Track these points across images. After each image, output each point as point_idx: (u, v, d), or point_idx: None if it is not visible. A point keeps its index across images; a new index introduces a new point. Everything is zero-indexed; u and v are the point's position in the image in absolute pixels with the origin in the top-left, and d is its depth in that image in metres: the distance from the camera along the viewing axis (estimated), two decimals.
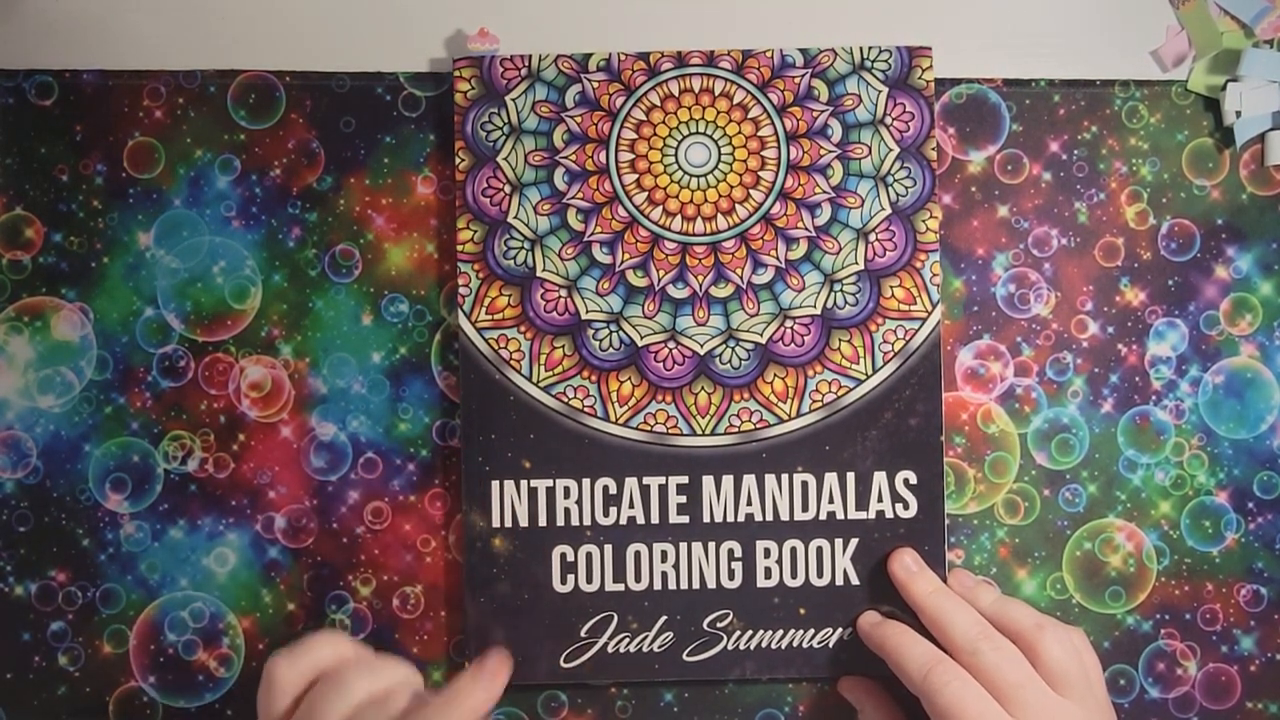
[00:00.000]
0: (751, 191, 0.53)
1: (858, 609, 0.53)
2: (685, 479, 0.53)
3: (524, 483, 0.53)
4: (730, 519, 0.53)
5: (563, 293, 0.53)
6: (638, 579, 0.53)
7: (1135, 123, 0.55)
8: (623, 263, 0.53)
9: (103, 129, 0.55)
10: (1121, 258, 0.55)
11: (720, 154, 0.53)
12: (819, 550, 0.53)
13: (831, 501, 0.53)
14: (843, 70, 0.53)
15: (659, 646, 0.53)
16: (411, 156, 0.55)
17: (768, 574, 0.53)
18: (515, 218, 0.53)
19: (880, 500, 0.53)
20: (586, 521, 0.53)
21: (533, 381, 0.53)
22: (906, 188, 0.53)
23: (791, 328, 0.53)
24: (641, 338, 0.53)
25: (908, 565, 0.52)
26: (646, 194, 0.53)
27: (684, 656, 0.53)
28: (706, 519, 0.53)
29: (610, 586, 0.53)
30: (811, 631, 0.53)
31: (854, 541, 0.53)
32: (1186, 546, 0.54)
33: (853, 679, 0.53)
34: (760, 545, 0.53)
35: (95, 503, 0.54)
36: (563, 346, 0.53)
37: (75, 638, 0.54)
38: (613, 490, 0.53)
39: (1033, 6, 0.56)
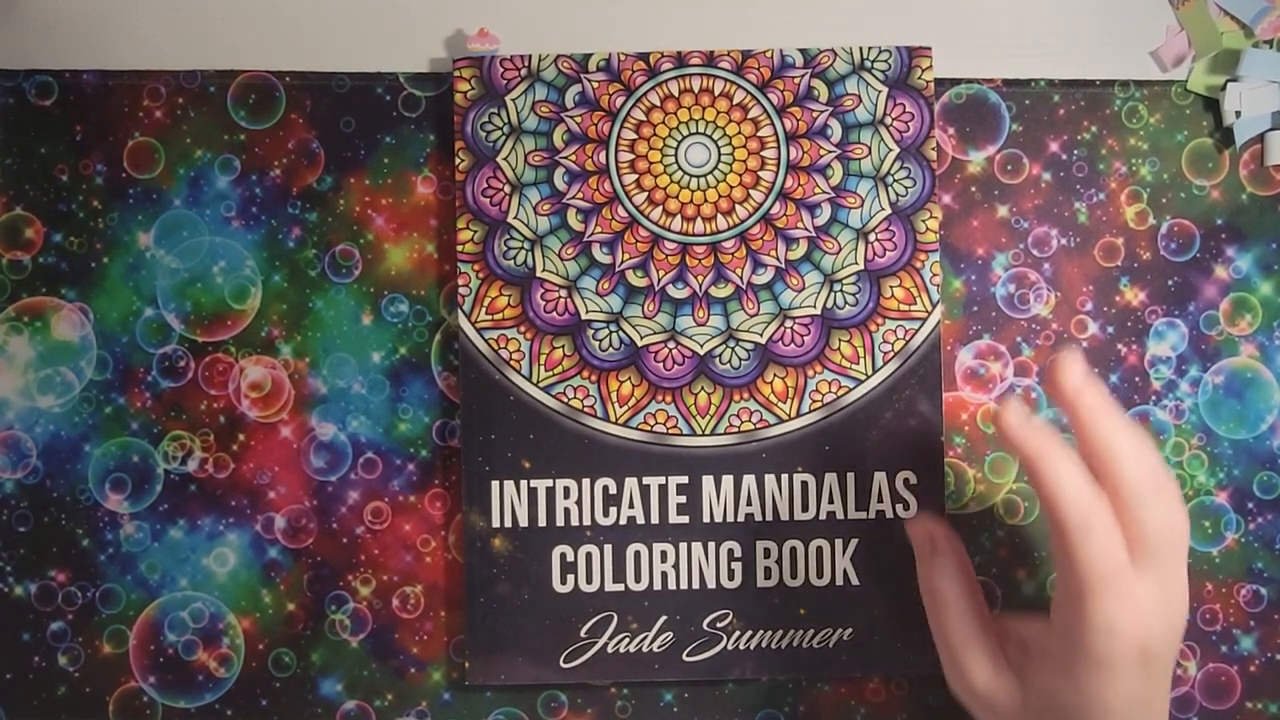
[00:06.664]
0: (751, 192, 0.53)
1: (858, 609, 0.53)
2: (685, 479, 0.53)
3: (524, 483, 0.53)
4: (730, 519, 0.53)
5: (563, 293, 0.53)
6: (638, 579, 0.53)
7: (1135, 123, 0.55)
8: (623, 263, 0.53)
9: (103, 129, 0.55)
10: (1121, 258, 0.55)
11: (720, 154, 0.53)
12: (819, 550, 0.53)
13: (831, 502, 0.53)
14: (842, 70, 0.53)
15: (659, 646, 0.53)
16: (411, 156, 0.55)
17: (767, 574, 0.53)
18: (515, 218, 0.53)
19: (880, 500, 0.53)
20: (586, 521, 0.53)
21: (533, 382, 0.53)
22: (906, 188, 0.53)
23: (791, 328, 0.53)
24: (641, 338, 0.53)
25: (1081, 371, 0.44)
26: (646, 194, 0.53)
27: (684, 656, 0.53)
28: (706, 519, 0.53)
29: (610, 586, 0.53)
30: (811, 631, 0.53)
31: (854, 542, 0.53)
32: None
33: (924, 516, 0.51)
34: (760, 545, 0.53)
35: (95, 503, 0.54)
36: (563, 346, 0.53)
37: (75, 638, 0.54)
38: (613, 490, 0.53)
39: (1033, 6, 0.56)
